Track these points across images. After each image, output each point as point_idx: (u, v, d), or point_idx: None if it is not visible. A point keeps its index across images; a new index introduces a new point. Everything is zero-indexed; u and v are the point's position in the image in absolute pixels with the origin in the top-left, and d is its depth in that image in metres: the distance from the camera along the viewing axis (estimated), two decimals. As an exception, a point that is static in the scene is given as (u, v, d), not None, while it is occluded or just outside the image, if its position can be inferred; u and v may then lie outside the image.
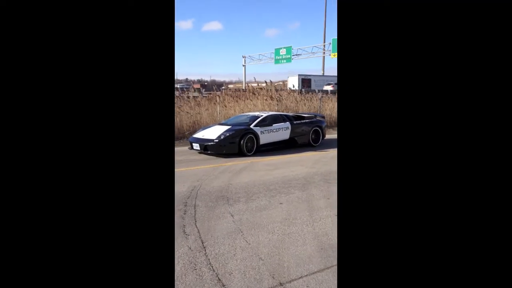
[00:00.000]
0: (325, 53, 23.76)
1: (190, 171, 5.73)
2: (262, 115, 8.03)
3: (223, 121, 8.96)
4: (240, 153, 7.14)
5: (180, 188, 4.58)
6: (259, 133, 7.48)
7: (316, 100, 14.03)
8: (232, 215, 3.51)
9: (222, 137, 7.11)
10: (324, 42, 24.35)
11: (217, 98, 11.52)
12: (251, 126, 7.52)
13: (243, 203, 3.93)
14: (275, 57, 25.22)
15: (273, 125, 7.85)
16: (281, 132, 7.99)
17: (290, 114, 8.99)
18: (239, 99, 12.23)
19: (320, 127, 8.76)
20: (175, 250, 2.70)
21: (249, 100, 12.28)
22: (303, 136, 8.40)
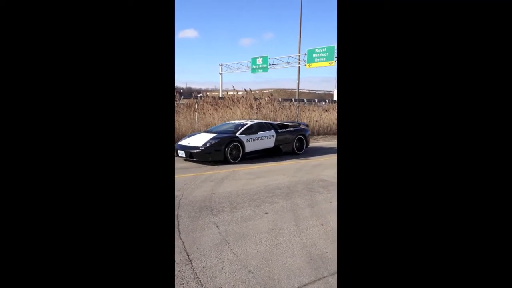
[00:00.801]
0: (300, 63, 24.15)
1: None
2: (247, 123, 8.11)
3: (208, 129, 9.01)
4: (226, 161, 7.15)
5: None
6: (244, 141, 7.53)
7: (294, 109, 14.17)
8: (217, 226, 3.41)
9: (208, 145, 7.10)
10: (299, 53, 24.77)
11: (196, 105, 11.38)
12: (237, 134, 7.56)
13: (227, 213, 3.83)
14: (252, 66, 25.37)
15: (258, 133, 7.92)
16: (266, 140, 8.07)
17: (275, 122, 9.12)
18: (218, 107, 12.14)
19: (304, 136, 8.90)
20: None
21: (228, 108, 12.21)
22: (287, 144, 8.51)
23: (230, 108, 12.27)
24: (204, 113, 11.52)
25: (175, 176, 5.86)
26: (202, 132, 8.53)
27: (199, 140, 7.43)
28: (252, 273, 2.46)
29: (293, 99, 18.19)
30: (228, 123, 8.84)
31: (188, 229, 3.30)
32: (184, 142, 7.66)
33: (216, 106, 12.15)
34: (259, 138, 7.90)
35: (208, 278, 2.37)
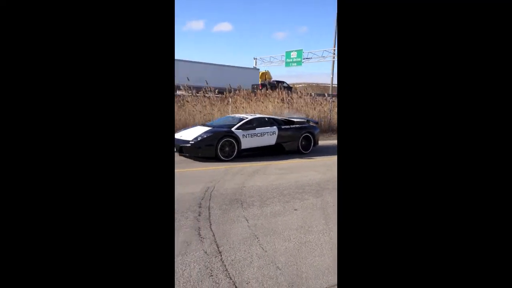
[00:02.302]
0: (335, 57, 23.61)
1: (200, 171, 5.69)
2: (247, 118, 7.48)
3: (208, 122, 8.42)
4: (217, 158, 6.57)
5: (194, 188, 4.54)
6: (240, 136, 6.86)
7: (327, 104, 13.92)
8: (247, 220, 3.45)
9: (198, 139, 6.51)
10: (334, 47, 24.22)
11: (229, 99, 11.49)
12: (233, 129, 6.93)
13: (257, 207, 3.86)
14: (285, 59, 25.12)
15: (257, 129, 7.24)
16: (267, 136, 7.37)
17: (280, 118, 8.38)
18: (251, 100, 12.19)
19: (312, 133, 8.09)
20: (191, 253, 2.65)
21: (260, 102, 12.23)
22: (292, 142, 7.76)
23: (262, 102, 12.27)
24: (237, 106, 11.62)
25: (207, 167, 5.99)
26: (200, 125, 7.92)
27: (192, 133, 6.84)
28: (280, 270, 2.48)
29: (326, 94, 17.85)
30: (229, 117, 8.21)
31: (219, 221, 3.37)
32: (177, 135, 7.01)
33: (249, 100, 12.20)
34: (258, 134, 7.20)
35: (237, 272, 2.42)
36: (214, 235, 3.02)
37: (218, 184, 4.83)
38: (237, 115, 8.10)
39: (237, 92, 12.73)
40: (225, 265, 2.50)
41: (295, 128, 7.93)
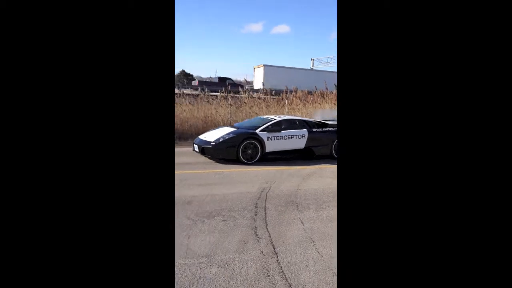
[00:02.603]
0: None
1: (255, 171, 5.77)
2: (274, 119, 7.14)
3: (236, 123, 8.17)
4: (239, 160, 6.39)
5: (250, 188, 4.63)
6: (265, 139, 6.59)
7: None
8: (302, 222, 3.43)
9: (220, 140, 6.39)
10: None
11: (286, 100, 11.50)
12: (257, 131, 6.66)
13: (313, 210, 3.82)
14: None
15: (283, 131, 6.88)
16: (295, 140, 6.96)
17: (311, 120, 7.90)
18: (307, 102, 12.07)
19: None
20: (248, 251, 2.71)
21: (317, 104, 12.06)
22: (324, 147, 7.25)
23: (320, 104, 12.08)
24: (293, 108, 11.58)
25: (262, 168, 6.06)
26: (227, 126, 7.82)
27: (216, 134, 6.73)
28: (336, 276, 2.42)
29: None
30: (259, 118, 7.90)
31: (275, 222, 3.40)
32: (202, 135, 7.07)
33: (305, 101, 12.09)
34: (285, 137, 6.83)
35: (293, 274, 2.42)
36: (270, 236, 3.06)
37: (274, 185, 4.87)
38: (268, 116, 7.71)
39: (293, 93, 12.70)
40: (281, 267, 2.51)
41: (328, 131, 7.41)
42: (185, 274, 2.36)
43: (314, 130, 7.30)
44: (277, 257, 2.66)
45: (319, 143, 7.23)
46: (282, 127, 6.96)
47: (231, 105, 10.70)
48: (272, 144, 6.72)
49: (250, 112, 10.73)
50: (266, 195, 4.33)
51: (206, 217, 3.50)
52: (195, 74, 45.35)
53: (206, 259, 2.59)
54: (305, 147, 7.11)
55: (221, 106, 10.85)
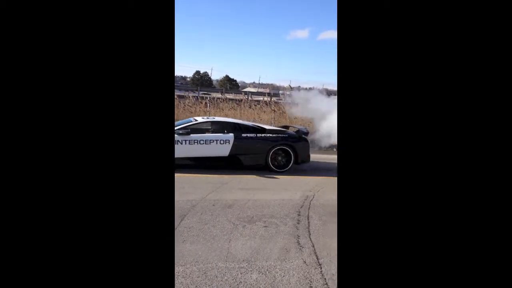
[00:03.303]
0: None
1: (293, 180, 5.63)
2: (196, 121, 6.28)
3: None
4: None
5: (292, 195, 4.51)
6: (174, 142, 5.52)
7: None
8: (348, 235, 3.25)
9: None
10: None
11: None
12: None
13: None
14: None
15: (195, 134, 5.89)
16: (215, 145, 5.88)
17: (249, 124, 6.82)
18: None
19: (292, 147, 6.22)
20: (290, 260, 2.60)
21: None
22: (256, 156, 6.09)
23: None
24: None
25: (306, 176, 5.91)
26: None
27: None
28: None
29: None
30: (188, 119, 6.90)
31: (319, 232, 3.25)
32: None
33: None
34: (201, 142, 5.82)
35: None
36: (313, 246, 2.92)
37: (318, 194, 4.71)
38: (195, 118, 6.75)
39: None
40: (325, 278, 2.37)
41: (262, 138, 6.20)
42: (226, 277, 2.30)
43: (243, 135, 6.15)
44: (321, 268, 2.52)
45: (249, 151, 6.09)
46: (198, 130, 6.06)
47: (274, 110, 10.68)
48: (182, 149, 5.66)
49: (295, 118, 10.65)
50: (310, 204, 4.19)
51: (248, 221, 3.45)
52: (238, 79, 46.24)
53: (246, 264, 2.52)
54: (229, 155, 6.03)
55: (264, 112, 10.88)
